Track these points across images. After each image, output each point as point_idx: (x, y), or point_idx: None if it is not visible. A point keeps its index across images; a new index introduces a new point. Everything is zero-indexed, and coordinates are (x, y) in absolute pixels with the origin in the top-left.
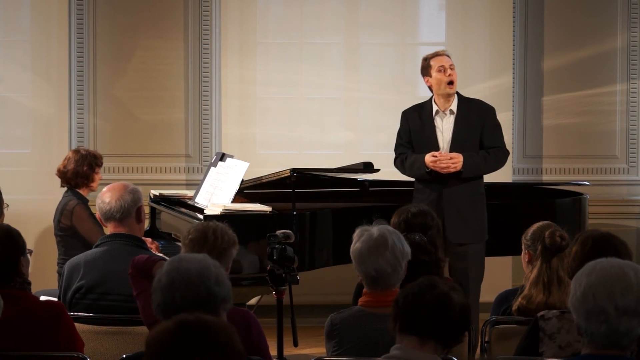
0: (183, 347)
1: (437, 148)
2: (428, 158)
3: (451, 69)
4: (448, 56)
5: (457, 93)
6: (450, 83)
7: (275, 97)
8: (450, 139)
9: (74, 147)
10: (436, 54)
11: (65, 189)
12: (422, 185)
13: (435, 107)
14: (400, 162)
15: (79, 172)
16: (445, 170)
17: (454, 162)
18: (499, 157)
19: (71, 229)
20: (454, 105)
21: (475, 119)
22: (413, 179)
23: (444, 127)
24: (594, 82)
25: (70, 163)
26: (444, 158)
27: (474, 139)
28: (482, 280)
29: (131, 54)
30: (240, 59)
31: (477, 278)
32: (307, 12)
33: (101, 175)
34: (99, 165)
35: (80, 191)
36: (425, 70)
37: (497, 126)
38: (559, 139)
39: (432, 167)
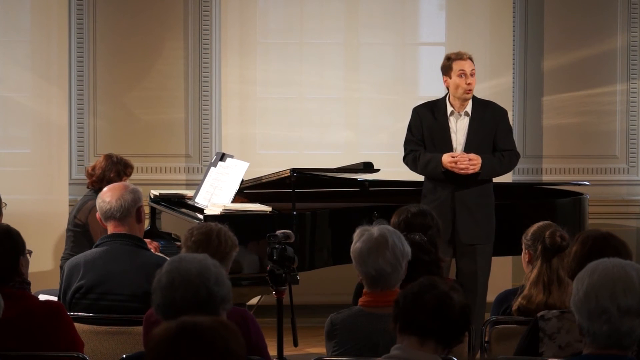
0: (184, 351)
1: (450, 149)
2: (446, 159)
3: (472, 75)
4: (471, 59)
5: (472, 95)
6: (469, 92)
7: (275, 97)
8: (464, 141)
9: (74, 147)
10: (459, 57)
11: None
12: (432, 185)
13: (450, 108)
14: (412, 160)
15: (105, 177)
16: (463, 171)
17: (473, 163)
18: (512, 159)
19: (84, 227)
20: (469, 107)
21: (490, 122)
22: (413, 179)
23: (458, 129)
24: (594, 82)
25: (100, 167)
26: (463, 159)
27: (488, 141)
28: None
29: (131, 53)
30: (240, 59)
31: (485, 278)
32: (307, 12)
33: None
34: (127, 175)
35: None
36: (446, 70)
37: (510, 130)
38: (559, 139)
39: (450, 168)
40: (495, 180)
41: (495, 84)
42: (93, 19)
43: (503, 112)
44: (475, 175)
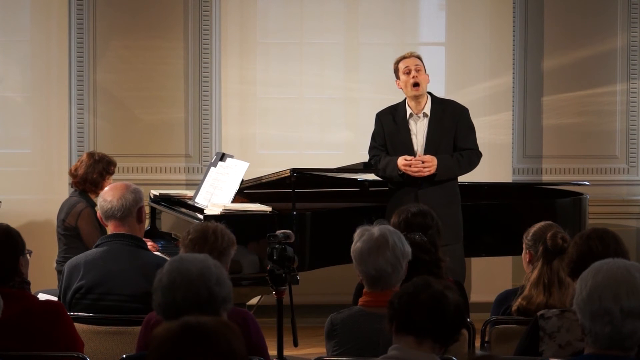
0: (187, 350)
1: (411, 151)
2: (400, 162)
3: (417, 70)
4: (418, 57)
5: (431, 95)
6: (415, 85)
7: (275, 97)
8: (424, 143)
9: (74, 147)
10: (403, 57)
11: (73, 189)
12: (396, 188)
13: (409, 110)
14: (374, 164)
15: (88, 179)
16: (417, 174)
17: (427, 165)
18: (472, 159)
19: (75, 229)
20: (427, 108)
21: (449, 121)
22: None
23: (418, 131)
24: (594, 82)
25: (82, 167)
26: (417, 163)
27: (448, 141)
28: (465, 280)
29: (131, 54)
30: (240, 59)
31: (461, 279)
32: (307, 12)
33: (111, 181)
34: (111, 173)
35: (89, 195)
36: (396, 73)
37: (471, 128)
38: (559, 139)
39: (404, 171)
40: (495, 180)
41: (495, 84)
42: (93, 19)
43: (463, 110)
44: (433, 176)
